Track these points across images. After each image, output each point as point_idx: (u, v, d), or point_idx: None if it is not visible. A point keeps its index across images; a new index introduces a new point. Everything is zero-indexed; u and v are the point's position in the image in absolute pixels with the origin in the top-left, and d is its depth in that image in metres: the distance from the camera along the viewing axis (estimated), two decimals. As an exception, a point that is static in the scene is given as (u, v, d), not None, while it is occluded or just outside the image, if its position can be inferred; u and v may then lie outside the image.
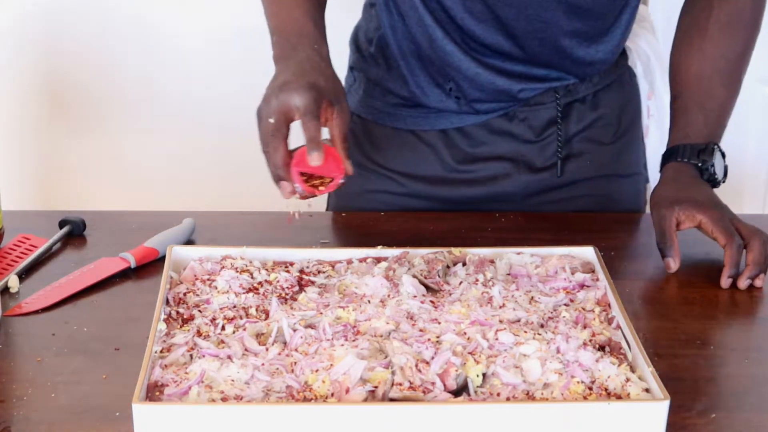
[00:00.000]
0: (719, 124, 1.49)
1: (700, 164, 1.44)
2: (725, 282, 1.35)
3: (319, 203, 1.73)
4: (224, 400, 1.04)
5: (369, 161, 1.63)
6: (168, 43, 2.45)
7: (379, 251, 1.33)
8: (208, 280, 1.26)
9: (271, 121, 1.22)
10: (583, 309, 1.23)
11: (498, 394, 1.06)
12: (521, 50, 1.51)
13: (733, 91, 1.51)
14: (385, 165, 1.62)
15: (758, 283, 1.35)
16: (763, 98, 2.43)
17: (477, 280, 1.26)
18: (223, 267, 1.28)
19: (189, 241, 1.45)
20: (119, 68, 2.45)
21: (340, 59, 1.68)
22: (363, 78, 1.63)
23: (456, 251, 1.34)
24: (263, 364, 1.10)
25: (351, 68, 1.67)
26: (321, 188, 1.24)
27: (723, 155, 1.46)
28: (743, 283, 1.35)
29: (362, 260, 1.32)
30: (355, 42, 1.65)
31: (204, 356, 1.10)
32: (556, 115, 1.57)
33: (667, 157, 1.48)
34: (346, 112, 1.27)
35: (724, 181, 1.47)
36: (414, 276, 1.27)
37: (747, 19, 1.50)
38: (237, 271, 1.26)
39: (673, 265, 1.38)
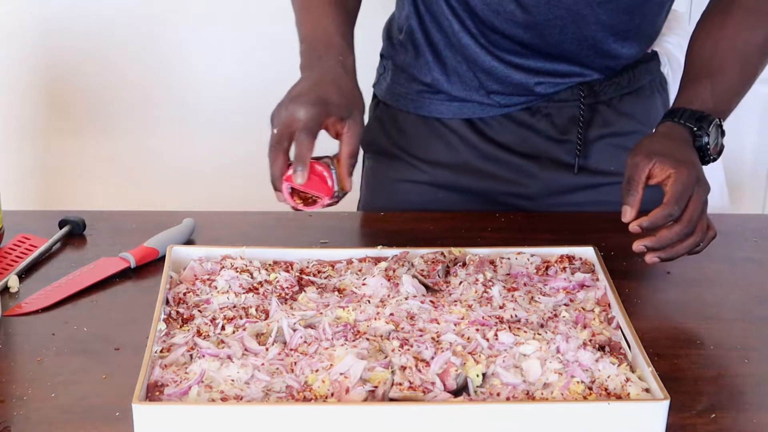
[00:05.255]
0: (726, 103, 1.43)
1: (695, 129, 1.36)
2: (632, 227, 1.27)
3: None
4: (224, 400, 1.04)
5: (396, 149, 1.64)
6: (168, 43, 2.45)
7: (379, 251, 1.34)
8: (208, 280, 1.26)
9: (275, 131, 1.23)
10: (583, 309, 1.23)
11: (498, 394, 1.06)
12: (541, 40, 1.51)
13: (746, 76, 1.46)
14: (411, 152, 1.63)
15: (647, 257, 1.28)
16: (762, 98, 2.43)
17: (477, 280, 1.26)
18: (223, 267, 1.28)
19: (189, 241, 1.45)
20: (119, 68, 2.45)
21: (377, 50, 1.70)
22: (391, 65, 1.64)
23: (456, 251, 1.34)
24: (263, 364, 1.10)
25: (381, 56, 1.69)
26: (307, 206, 1.24)
27: (722, 133, 1.40)
28: (636, 245, 1.27)
29: (362, 260, 1.32)
30: (388, 31, 1.67)
31: (204, 356, 1.10)
32: (578, 114, 1.57)
33: (665, 117, 1.41)
34: (359, 126, 1.26)
35: (715, 159, 1.39)
36: (414, 276, 1.27)
37: None
38: (237, 271, 1.26)
39: (629, 214, 1.28)
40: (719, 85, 1.43)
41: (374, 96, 1.70)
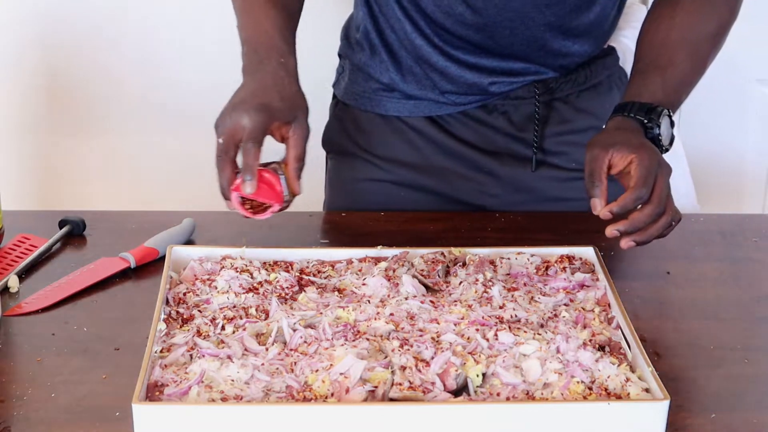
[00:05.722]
0: (676, 95, 1.42)
1: (645, 121, 1.35)
2: (602, 213, 1.25)
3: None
4: (224, 400, 1.04)
5: (357, 148, 1.64)
6: (168, 43, 2.45)
7: (379, 251, 1.34)
8: (208, 280, 1.26)
9: (220, 141, 1.23)
10: (583, 309, 1.23)
11: (498, 394, 1.06)
12: (492, 41, 1.51)
13: (696, 67, 1.45)
14: (371, 151, 1.63)
15: (622, 243, 1.25)
16: (763, 98, 2.43)
17: (477, 280, 1.26)
18: (223, 267, 1.28)
19: (189, 241, 1.45)
20: (119, 68, 2.44)
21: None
22: (349, 65, 1.65)
23: (456, 251, 1.34)
24: (263, 364, 1.10)
25: (339, 56, 1.69)
26: (257, 214, 1.23)
27: (672, 123, 1.39)
28: (609, 230, 1.25)
29: (362, 260, 1.32)
30: (346, 31, 1.67)
31: (204, 356, 1.10)
32: (534, 111, 1.58)
33: (614, 112, 1.39)
34: (303, 129, 1.25)
35: (667, 150, 1.37)
36: (414, 276, 1.27)
37: (722, 2, 1.47)
38: (237, 271, 1.26)
39: (599, 206, 1.26)
40: (670, 77, 1.42)
41: (334, 96, 1.70)
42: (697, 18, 1.46)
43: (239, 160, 1.22)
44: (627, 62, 1.67)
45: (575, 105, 1.61)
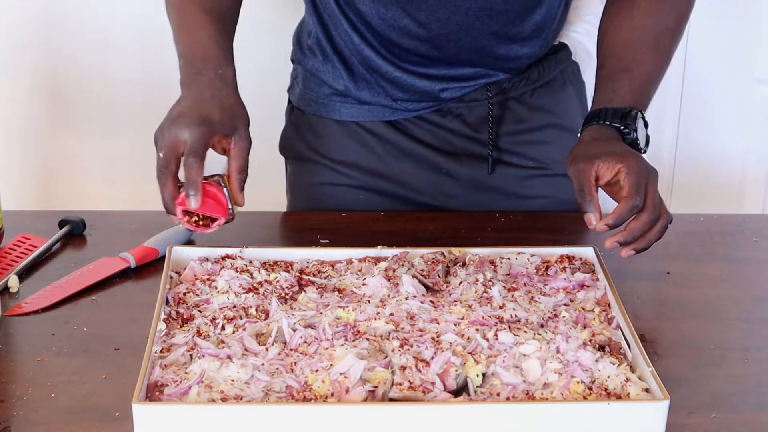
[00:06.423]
0: (645, 94, 1.42)
1: (622, 127, 1.35)
2: (599, 227, 1.25)
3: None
4: (224, 400, 1.04)
5: (314, 153, 1.64)
6: (168, 43, 2.45)
7: (379, 251, 1.34)
8: (208, 280, 1.26)
9: (161, 155, 1.21)
10: (583, 309, 1.23)
11: (498, 394, 1.06)
12: (438, 52, 1.51)
13: (660, 62, 1.45)
14: (328, 155, 1.63)
15: (623, 253, 1.26)
16: (763, 98, 2.43)
17: (477, 280, 1.26)
18: (223, 267, 1.28)
19: (189, 241, 1.45)
20: (119, 68, 2.44)
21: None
22: (302, 70, 1.64)
23: (456, 251, 1.34)
24: (263, 364, 1.10)
25: (292, 61, 1.69)
26: (203, 228, 1.23)
27: (646, 124, 1.38)
28: (609, 242, 1.25)
29: (362, 260, 1.32)
30: (298, 36, 1.67)
31: (204, 356, 1.10)
32: (488, 113, 1.58)
33: (588, 121, 1.38)
34: (244, 140, 1.25)
35: (645, 151, 1.37)
36: (414, 276, 1.27)
37: None
38: (237, 271, 1.26)
39: (594, 220, 1.25)
40: (637, 77, 1.41)
41: (289, 101, 1.70)
42: (655, 16, 1.45)
43: (181, 174, 1.21)
44: (579, 56, 1.67)
45: (530, 103, 1.61)
